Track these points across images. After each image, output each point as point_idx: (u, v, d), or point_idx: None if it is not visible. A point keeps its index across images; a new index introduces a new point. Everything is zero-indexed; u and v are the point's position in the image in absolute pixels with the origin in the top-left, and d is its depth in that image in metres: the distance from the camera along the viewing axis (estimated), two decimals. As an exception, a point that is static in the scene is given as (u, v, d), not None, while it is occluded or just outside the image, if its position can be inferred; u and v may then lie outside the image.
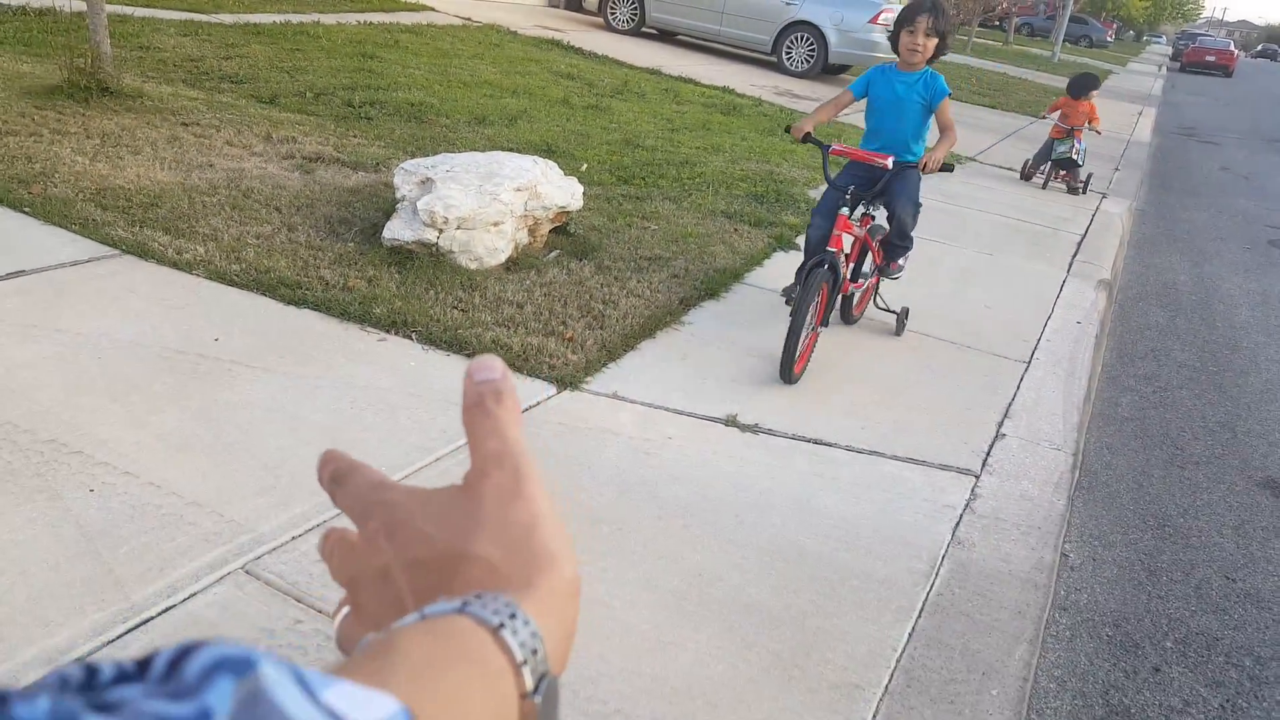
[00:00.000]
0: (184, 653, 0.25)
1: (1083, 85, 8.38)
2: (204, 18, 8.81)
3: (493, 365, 0.41)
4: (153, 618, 2.01)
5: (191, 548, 2.22)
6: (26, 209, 3.83)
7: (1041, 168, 8.51)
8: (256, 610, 2.08)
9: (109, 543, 2.19)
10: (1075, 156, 8.28)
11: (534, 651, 0.35)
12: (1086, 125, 8.28)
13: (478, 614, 0.34)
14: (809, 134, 3.81)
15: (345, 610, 0.42)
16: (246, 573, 2.18)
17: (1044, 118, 9.68)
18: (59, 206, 3.88)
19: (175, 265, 3.61)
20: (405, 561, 0.39)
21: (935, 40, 3.81)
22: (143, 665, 0.25)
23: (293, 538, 2.30)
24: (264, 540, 2.28)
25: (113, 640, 1.93)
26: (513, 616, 0.35)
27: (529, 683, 0.34)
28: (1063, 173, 8.41)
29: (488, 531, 0.38)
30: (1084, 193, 8.36)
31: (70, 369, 2.84)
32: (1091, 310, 5.18)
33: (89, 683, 0.24)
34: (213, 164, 4.79)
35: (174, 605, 2.05)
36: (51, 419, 2.58)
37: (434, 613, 0.34)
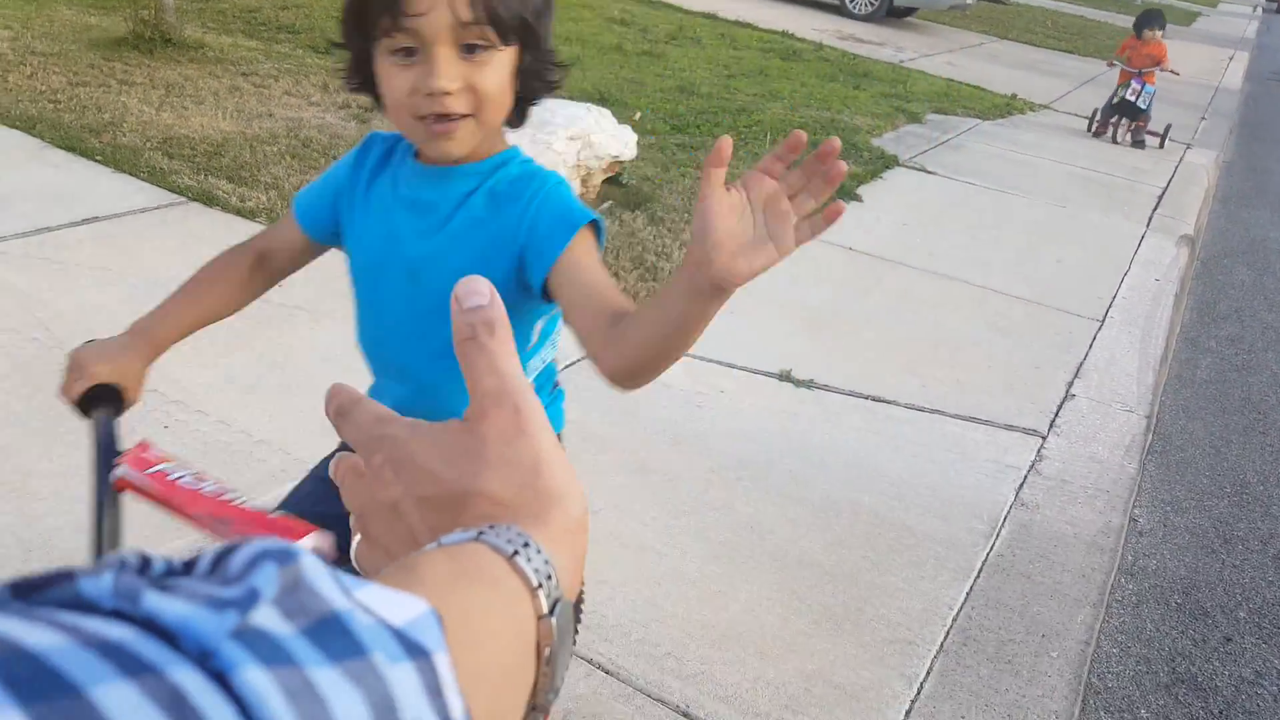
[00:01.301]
0: (228, 549, 0.26)
1: (1143, 22, 7.55)
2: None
3: (480, 289, 0.40)
4: (217, 555, 2.07)
5: (260, 483, 2.28)
6: (98, 157, 3.91)
7: (1111, 119, 7.69)
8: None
9: (176, 482, 2.25)
10: (1139, 102, 7.40)
11: (548, 577, 0.36)
12: (1157, 68, 7.43)
13: (492, 542, 0.35)
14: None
15: (358, 538, 0.43)
16: (306, 514, 2.22)
17: (1111, 65, 8.53)
18: (128, 155, 3.96)
19: (239, 212, 3.67)
20: (414, 498, 0.40)
21: (509, 68, 1.04)
22: (189, 564, 0.26)
23: (337, 454, 2.34)
24: (323, 483, 2.33)
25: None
26: (525, 545, 0.36)
27: (544, 605, 0.35)
28: (1128, 122, 7.59)
29: (494, 470, 0.39)
30: (1162, 146, 7.56)
31: (142, 311, 2.90)
32: (1171, 267, 4.95)
33: (143, 570, 0.25)
34: (272, 114, 4.82)
35: (237, 544, 2.11)
36: (121, 361, 2.65)
37: (451, 541, 0.36)
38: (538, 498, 0.39)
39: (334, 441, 2.69)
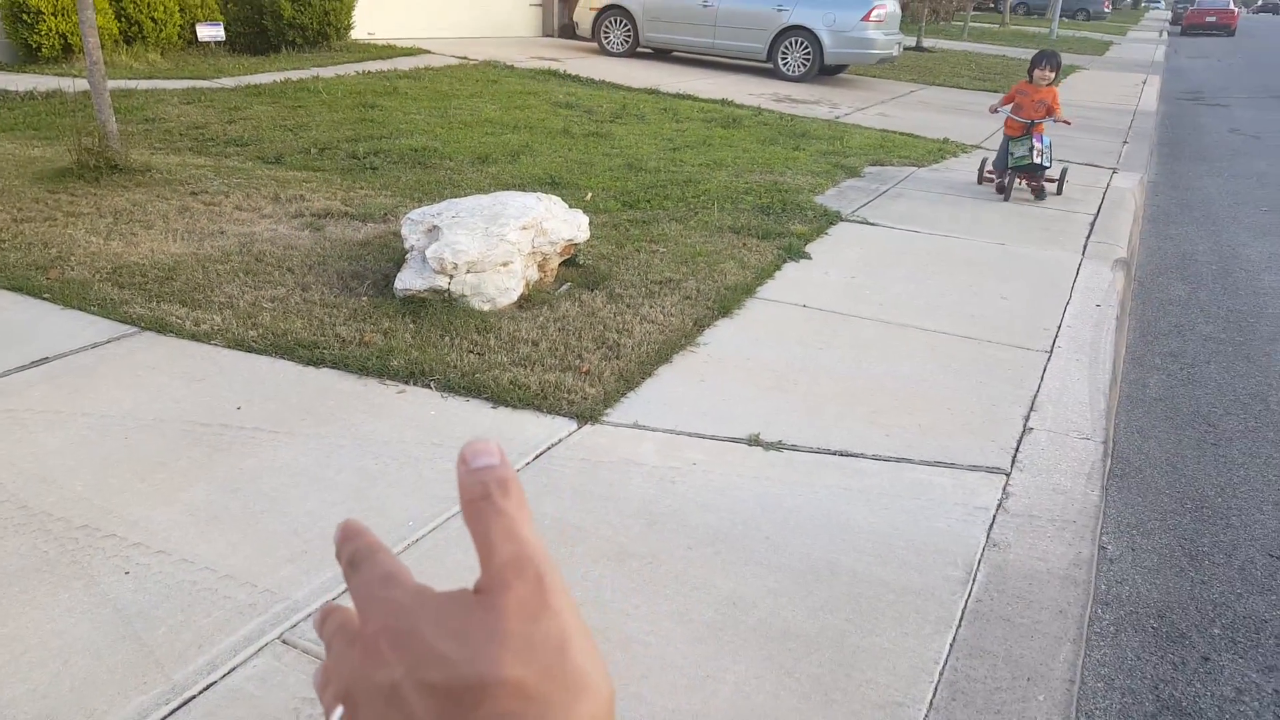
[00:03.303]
0: None
1: (1035, 62, 6.85)
2: (206, 83, 8.99)
3: (490, 449, 0.38)
4: (194, 696, 2.04)
5: (228, 621, 2.25)
6: (45, 295, 3.91)
7: (1002, 173, 7.03)
8: (296, 680, 2.10)
9: (147, 624, 2.23)
10: (1038, 159, 6.74)
11: None
12: (1049, 118, 6.76)
13: None
14: None
15: (338, 715, 0.37)
16: (283, 642, 2.20)
17: (995, 111, 7.34)
18: (77, 289, 3.97)
19: (194, 337, 3.68)
20: (417, 683, 0.34)
21: None
22: None
23: (327, 602, 2.33)
24: (299, 607, 2.31)
25: (158, 722, 1.95)
26: None
27: None
28: (1027, 181, 6.98)
29: (515, 652, 0.34)
30: (1060, 192, 7.08)
31: (98, 452, 2.89)
32: (1110, 291, 5.12)
33: None
34: (224, 231, 4.87)
35: (215, 682, 2.08)
36: (83, 504, 2.63)
37: None
38: (565, 686, 0.34)
39: (307, 568, 2.68)
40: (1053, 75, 6.84)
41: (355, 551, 0.39)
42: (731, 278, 4.77)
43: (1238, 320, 5.26)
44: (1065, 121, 6.87)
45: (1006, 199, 6.92)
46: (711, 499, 2.91)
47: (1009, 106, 6.99)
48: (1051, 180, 7.05)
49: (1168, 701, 2.38)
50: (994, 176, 7.19)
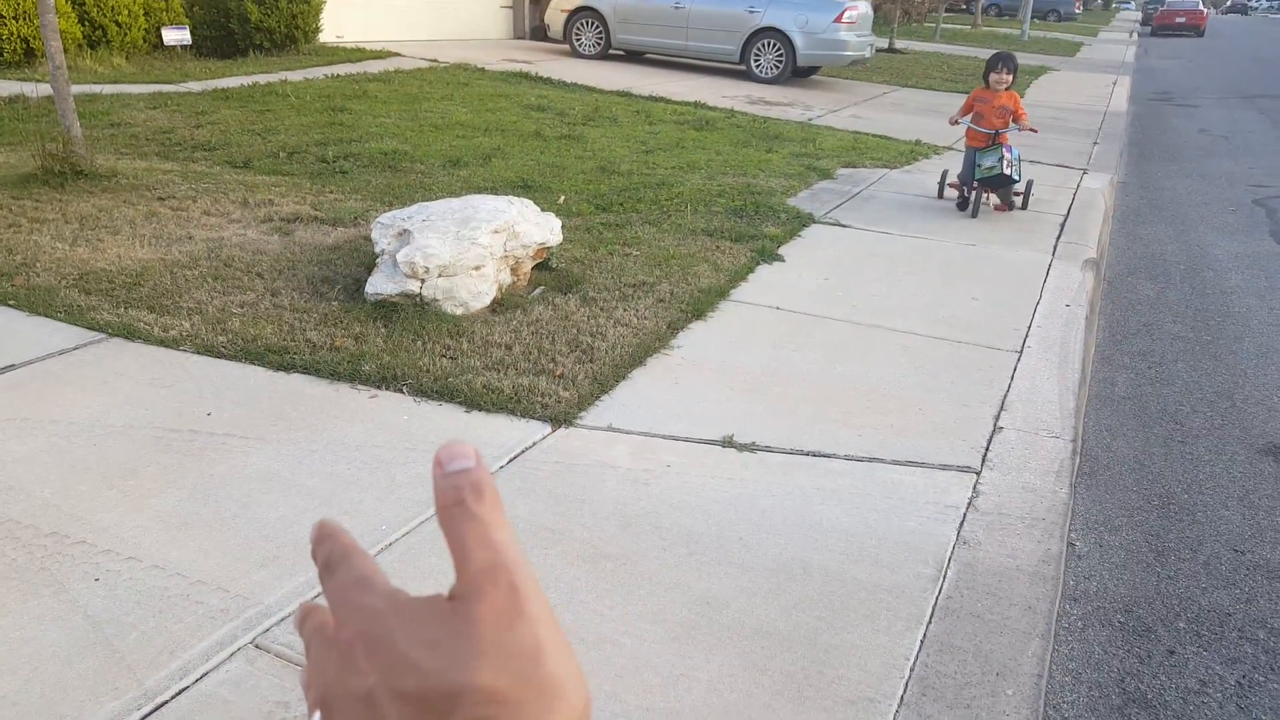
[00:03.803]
0: None
1: (990, 66, 6.36)
2: (172, 88, 8.89)
3: (465, 452, 0.37)
4: (166, 701, 2.03)
5: (200, 627, 2.24)
6: (11, 302, 3.86)
7: (967, 186, 6.53)
8: (269, 684, 2.09)
9: (117, 630, 2.21)
10: (1009, 171, 6.23)
11: None
12: (1014, 126, 6.33)
13: None
14: None
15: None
16: (256, 647, 2.19)
17: (955, 123, 6.82)
18: (43, 296, 3.92)
19: (162, 343, 3.64)
20: (391, 691, 0.34)
21: None
22: None
23: (305, 601, 2.31)
24: (271, 612, 2.30)
25: (126, 732, 1.94)
26: None
27: None
28: (995, 198, 6.52)
29: (489, 660, 0.34)
30: (1025, 206, 6.71)
31: (66, 459, 2.86)
32: (1080, 291, 5.19)
33: None
34: (191, 236, 4.83)
35: (187, 687, 2.06)
36: (52, 511, 2.59)
37: None
38: (540, 692, 0.34)
39: (279, 573, 2.66)
40: (1010, 79, 6.40)
41: (330, 554, 0.39)
42: (705, 280, 4.79)
43: (1205, 319, 5.35)
44: (1032, 129, 6.51)
45: (973, 215, 6.42)
46: (685, 500, 2.92)
47: (969, 116, 6.55)
48: (1018, 194, 6.71)
49: (1134, 694, 2.42)
50: (956, 190, 6.71)
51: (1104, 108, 13.34)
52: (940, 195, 6.89)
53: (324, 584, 0.39)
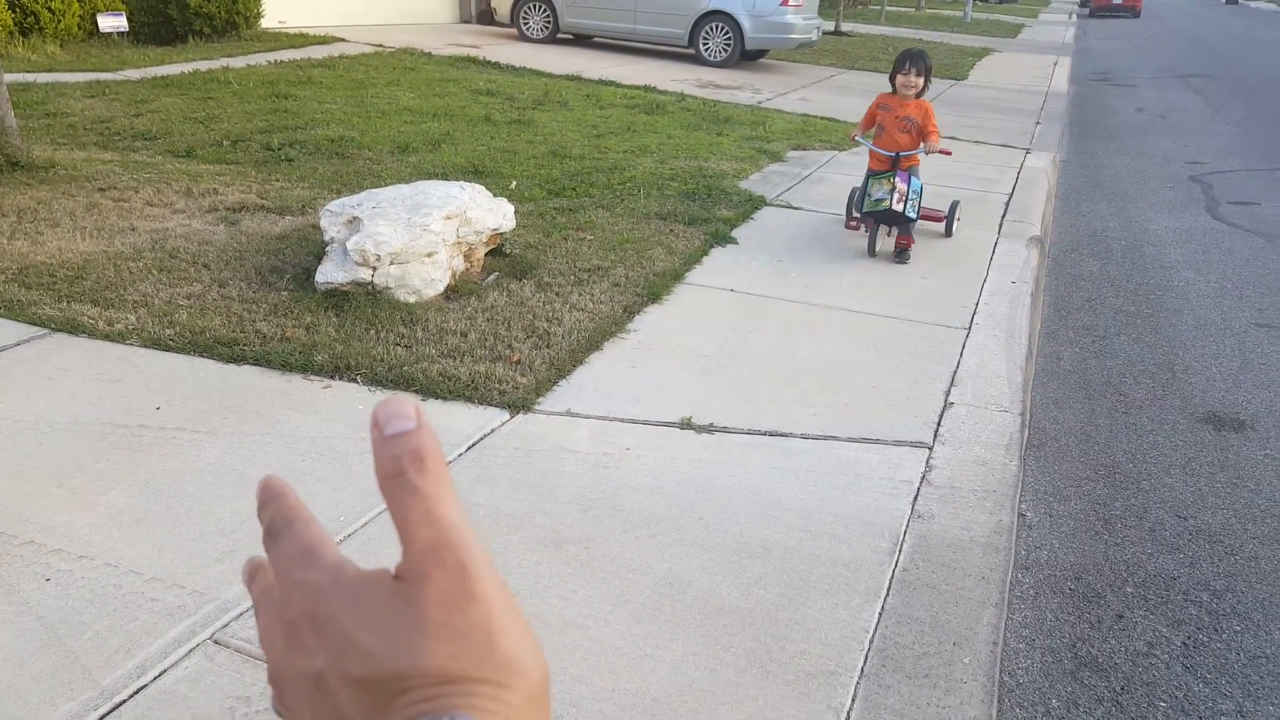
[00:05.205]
0: None
1: (897, 65, 5.14)
2: (110, 76, 8.62)
3: (405, 410, 0.34)
4: (124, 700, 1.99)
5: (156, 624, 2.20)
6: (-54, 297, 3.73)
7: (859, 220, 5.38)
8: (230, 679, 2.07)
9: (71, 630, 2.16)
10: (898, 206, 4.92)
11: None
12: (921, 149, 5.05)
13: None
14: None
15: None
16: (215, 642, 2.16)
17: (855, 140, 5.57)
18: (-21, 290, 3.79)
19: (107, 337, 3.55)
20: (341, 675, 0.33)
21: None
22: None
23: (253, 557, 2.28)
24: (229, 607, 2.27)
25: (83, 733, 1.90)
26: None
27: None
28: (887, 231, 5.23)
29: (438, 643, 0.33)
30: (949, 233, 5.61)
31: (11, 458, 2.78)
32: (1025, 268, 5.30)
33: None
34: (135, 227, 4.70)
35: (145, 685, 2.03)
36: (-5, 513, 2.52)
37: None
38: (494, 670, 0.33)
39: (236, 567, 2.63)
40: (922, 83, 5.11)
41: (274, 518, 0.37)
42: (660, 264, 4.80)
43: (1146, 294, 5.51)
44: (944, 152, 5.28)
45: (871, 254, 5.18)
46: (646, 483, 2.94)
47: (871, 131, 5.33)
48: (940, 219, 5.58)
49: (1085, 659, 2.51)
50: (855, 224, 5.52)
51: (1045, 88, 13.59)
52: (847, 225, 5.65)
53: (268, 551, 0.37)
